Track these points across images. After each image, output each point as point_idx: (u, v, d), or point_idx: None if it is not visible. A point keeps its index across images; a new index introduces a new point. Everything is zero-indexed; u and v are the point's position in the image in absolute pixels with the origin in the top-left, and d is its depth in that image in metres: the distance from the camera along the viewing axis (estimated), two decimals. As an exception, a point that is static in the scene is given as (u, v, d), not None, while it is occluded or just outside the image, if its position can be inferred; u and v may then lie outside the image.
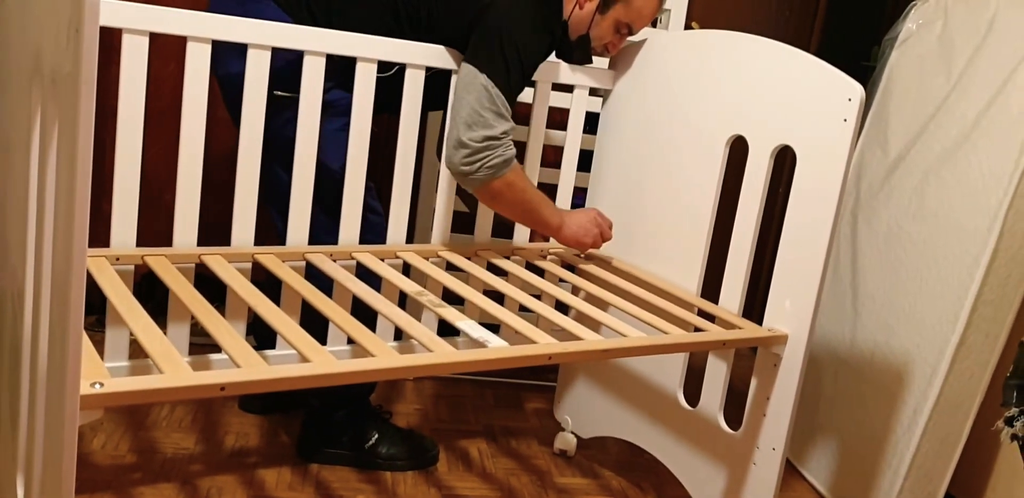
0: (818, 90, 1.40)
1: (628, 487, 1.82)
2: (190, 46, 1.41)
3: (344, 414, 1.74)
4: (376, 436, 1.75)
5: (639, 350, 1.33)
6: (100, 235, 1.43)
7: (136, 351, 1.39)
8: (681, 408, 1.65)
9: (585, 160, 1.87)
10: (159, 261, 1.39)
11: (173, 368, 0.99)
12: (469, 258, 1.68)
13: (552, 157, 2.10)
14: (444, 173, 1.70)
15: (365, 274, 1.53)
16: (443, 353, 1.15)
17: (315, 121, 1.53)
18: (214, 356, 1.44)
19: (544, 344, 1.24)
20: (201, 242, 1.49)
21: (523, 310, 1.64)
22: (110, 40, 1.78)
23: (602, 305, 1.58)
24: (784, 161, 1.58)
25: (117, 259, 1.39)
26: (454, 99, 1.55)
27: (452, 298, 1.51)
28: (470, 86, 1.52)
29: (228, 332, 1.11)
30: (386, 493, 1.67)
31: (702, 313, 1.55)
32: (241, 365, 1.02)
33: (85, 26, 0.79)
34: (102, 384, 0.90)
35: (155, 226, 1.70)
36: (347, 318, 1.23)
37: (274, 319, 1.19)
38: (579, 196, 1.90)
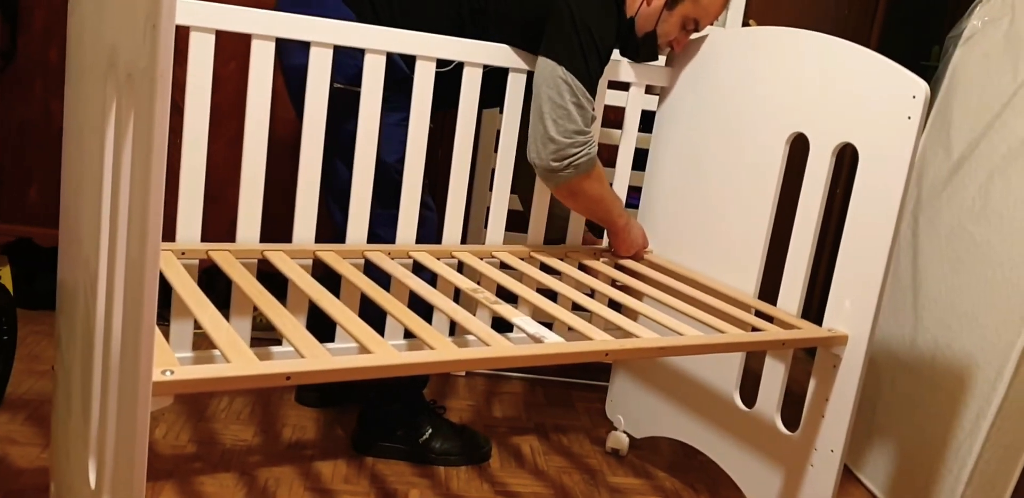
0: (881, 87, 1.38)
1: (682, 488, 1.81)
2: (255, 44, 1.44)
3: (399, 408, 1.76)
4: (430, 431, 1.76)
5: (696, 349, 1.32)
6: (166, 230, 1.47)
7: (199, 343, 1.43)
8: (737, 409, 1.64)
9: (640, 159, 1.86)
10: (223, 256, 1.42)
11: (240, 357, 1.01)
12: (523, 259, 1.68)
13: (607, 156, 2.09)
14: (499, 172, 1.71)
15: (421, 272, 1.55)
16: (501, 347, 1.15)
17: (376, 121, 1.55)
18: (275, 349, 1.46)
19: (600, 341, 1.24)
20: (263, 238, 1.52)
21: (577, 309, 1.64)
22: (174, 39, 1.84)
23: (657, 305, 1.57)
24: (843, 160, 1.56)
25: (183, 253, 1.42)
26: (534, 94, 1.56)
27: (506, 297, 1.51)
28: (549, 80, 1.53)
29: (292, 323, 1.13)
30: (440, 487, 1.68)
31: (760, 314, 1.54)
32: (305, 355, 1.04)
33: (163, 22, 0.82)
34: (173, 372, 0.93)
35: (216, 222, 1.74)
36: (405, 312, 1.25)
37: (336, 312, 1.21)
38: (634, 195, 1.90)
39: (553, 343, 1.20)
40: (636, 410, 1.90)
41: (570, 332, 1.32)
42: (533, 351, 1.16)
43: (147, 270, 0.86)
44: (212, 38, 1.41)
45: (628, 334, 1.30)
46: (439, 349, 1.11)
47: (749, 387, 1.62)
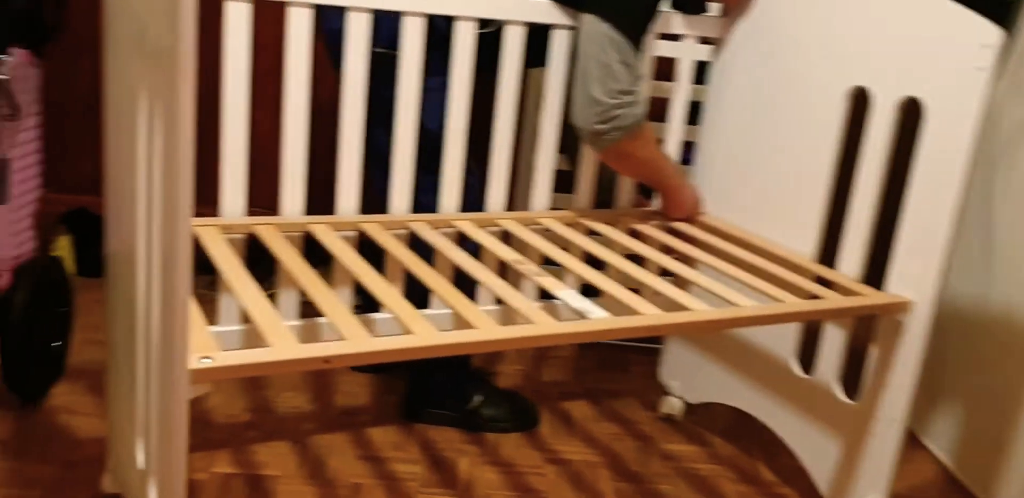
0: (949, 36, 1.29)
1: (738, 455, 1.78)
2: (291, 11, 1.40)
3: (447, 376, 1.75)
4: (478, 398, 1.75)
5: (750, 320, 1.27)
6: (210, 203, 1.46)
7: (248, 316, 1.42)
8: (794, 376, 1.59)
9: (693, 113, 1.78)
10: (267, 230, 1.40)
11: (280, 340, 1.00)
12: (570, 225, 1.64)
13: (659, 109, 2.02)
14: (544, 134, 1.65)
15: (465, 241, 1.52)
16: (544, 325, 1.12)
17: (416, 86, 1.51)
18: (323, 319, 1.45)
19: (649, 315, 1.20)
20: (308, 208, 1.51)
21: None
22: (216, 4, 1.80)
23: (711, 272, 1.52)
24: (910, 114, 1.47)
25: (227, 228, 1.41)
26: (579, 53, 1.50)
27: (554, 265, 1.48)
28: (593, 37, 1.46)
29: (334, 303, 1.12)
30: (490, 454, 1.68)
31: (819, 279, 1.48)
32: (346, 337, 1.02)
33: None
34: (211, 359, 0.92)
35: (262, 191, 1.73)
36: (449, 289, 1.22)
37: (378, 290, 1.19)
38: (688, 151, 1.83)
39: (598, 319, 1.16)
40: (691, 375, 1.87)
41: (619, 304, 1.28)
42: (577, 328, 1.12)
43: (180, 257, 0.85)
44: (248, 7, 1.37)
45: (678, 306, 1.26)
46: (482, 328, 1.08)
47: (808, 351, 1.57)
